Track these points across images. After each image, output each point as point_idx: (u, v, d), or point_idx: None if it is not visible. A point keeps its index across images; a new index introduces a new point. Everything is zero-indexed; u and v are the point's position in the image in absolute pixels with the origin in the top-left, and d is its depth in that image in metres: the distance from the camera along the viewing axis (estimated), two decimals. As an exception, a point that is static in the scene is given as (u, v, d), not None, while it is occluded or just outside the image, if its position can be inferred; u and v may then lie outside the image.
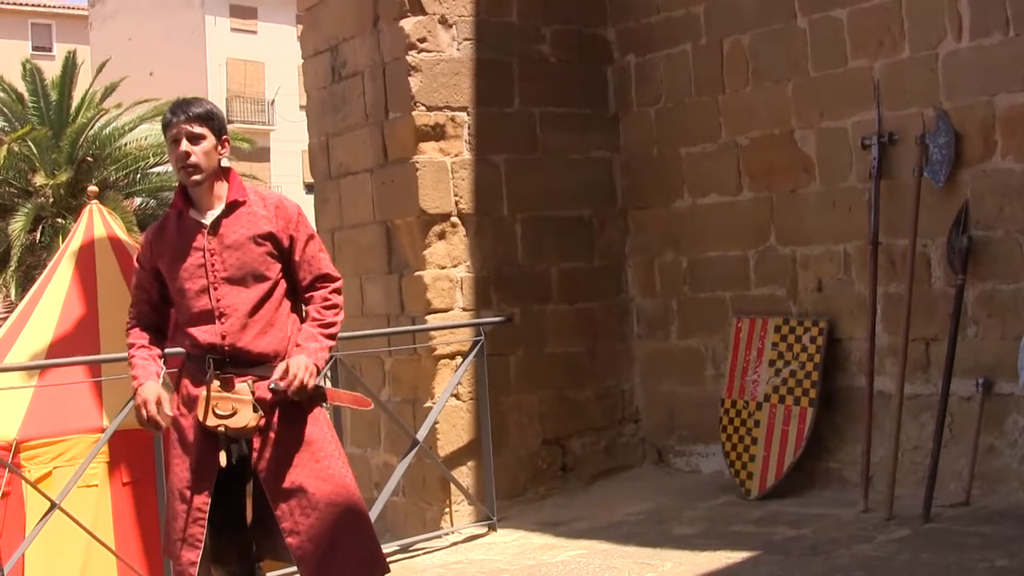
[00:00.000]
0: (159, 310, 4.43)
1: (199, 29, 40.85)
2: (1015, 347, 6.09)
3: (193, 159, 4.23)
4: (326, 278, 4.39)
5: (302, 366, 4.15)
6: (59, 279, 8.67)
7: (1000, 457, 6.30)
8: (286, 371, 4.14)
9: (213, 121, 4.31)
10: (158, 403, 4.20)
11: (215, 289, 4.22)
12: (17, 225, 22.63)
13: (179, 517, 4.22)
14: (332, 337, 4.35)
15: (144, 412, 4.20)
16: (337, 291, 4.41)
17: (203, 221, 4.29)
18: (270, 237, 4.29)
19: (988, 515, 6.00)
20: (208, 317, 4.22)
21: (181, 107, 4.31)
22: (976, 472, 6.26)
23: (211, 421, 4.16)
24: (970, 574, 5.14)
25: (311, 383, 4.16)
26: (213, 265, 4.24)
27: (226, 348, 4.20)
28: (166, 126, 4.31)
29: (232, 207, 4.30)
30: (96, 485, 7.35)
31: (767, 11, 7.40)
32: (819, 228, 7.20)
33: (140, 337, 4.39)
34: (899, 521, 6.15)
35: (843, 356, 7.10)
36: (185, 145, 4.23)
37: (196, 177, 4.25)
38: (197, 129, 4.25)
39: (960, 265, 6.33)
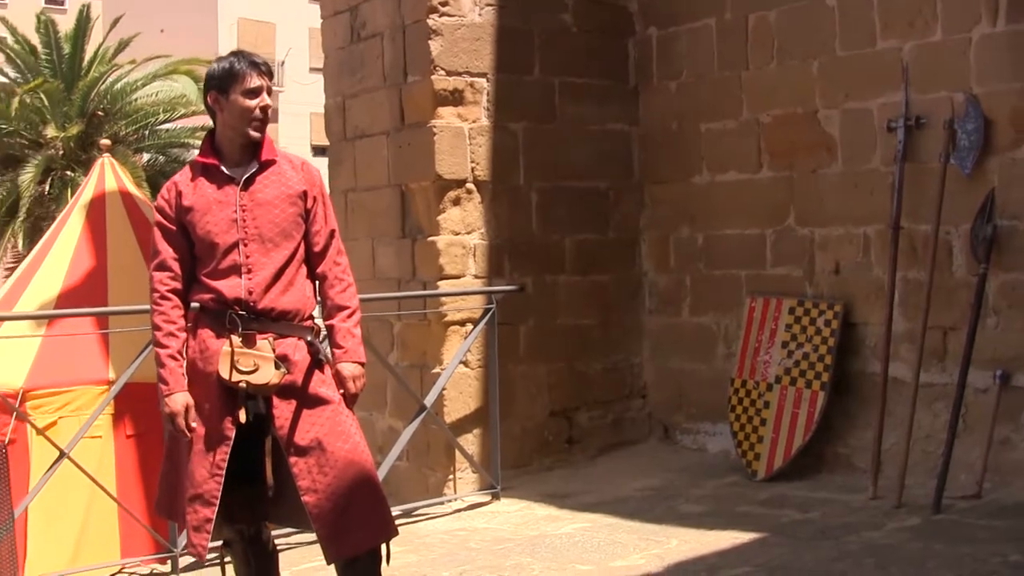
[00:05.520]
0: (183, 269, 4.26)
1: (211, -13, 40.71)
2: (1036, 340, 6.07)
3: (268, 114, 4.27)
4: (335, 236, 4.40)
5: (357, 375, 4.30)
6: (69, 231, 8.62)
7: (1015, 450, 6.23)
8: (343, 383, 4.27)
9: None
10: (186, 412, 4.15)
11: (245, 245, 4.19)
12: (27, 176, 22.63)
13: (196, 472, 4.16)
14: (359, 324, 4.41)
15: (178, 423, 4.14)
16: (348, 270, 4.43)
17: (235, 176, 4.25)
18: (303, 197, 4.29)
19: (1000, 509, 5.93)
20: (235, 272, 4.18)
21: (256, 61, 4.29)
22: (989, 464, 6.17)
23: (233, 377, 4.12)
24: (983, 567, 5.05)
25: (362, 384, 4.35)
26: (244, 221, 4.20)
27: (251, 304, 4.17)
28: (241, 76, 4.23)
29: (265, 165, 4.29)
30: (100, 436, 7.31)
31: (795, -12, 7.30)
32: (839, 210, 7.11)
33: (169, 322, 4.21)
34: (909, 510, 6.09)
35: (858, 341, 7.03)
36: (267, 99, 4.26)
37: (261, 133, 4.27)
38: (269, 84, 4.29)
39: (983, 254, 6.24)
